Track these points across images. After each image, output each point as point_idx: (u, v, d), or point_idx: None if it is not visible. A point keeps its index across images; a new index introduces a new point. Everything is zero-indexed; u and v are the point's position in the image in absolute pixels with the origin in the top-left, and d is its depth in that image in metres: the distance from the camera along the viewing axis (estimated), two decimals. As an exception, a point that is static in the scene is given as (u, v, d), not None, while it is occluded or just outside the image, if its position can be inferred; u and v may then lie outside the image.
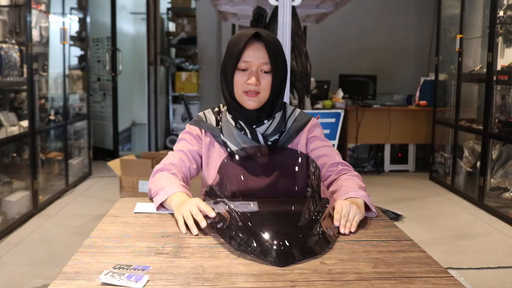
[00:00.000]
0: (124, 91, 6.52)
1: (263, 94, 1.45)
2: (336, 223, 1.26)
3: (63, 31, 4.65)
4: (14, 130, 3.70)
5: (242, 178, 1.43)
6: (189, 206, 1.27)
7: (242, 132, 1.49)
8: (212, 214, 1.24)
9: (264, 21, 3.04)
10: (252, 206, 1.32)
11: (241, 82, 1.45)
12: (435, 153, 5.46)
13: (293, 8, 2.63)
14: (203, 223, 1.22)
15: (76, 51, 5.45)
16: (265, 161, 1.48)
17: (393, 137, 5.66)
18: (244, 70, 1.45)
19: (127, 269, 1.02)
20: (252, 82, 1.43)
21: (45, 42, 4.47)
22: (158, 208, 1.41)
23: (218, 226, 1.22)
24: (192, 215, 1.25)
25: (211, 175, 1.52)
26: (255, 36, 1.44)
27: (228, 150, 1.50)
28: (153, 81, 6.30)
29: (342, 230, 1.25)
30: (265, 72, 1.45)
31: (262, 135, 1.50)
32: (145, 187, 3.73)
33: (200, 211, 1.25)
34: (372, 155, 6.05)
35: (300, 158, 1.48)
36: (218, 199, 1.33)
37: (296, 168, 1.47)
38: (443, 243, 3.49)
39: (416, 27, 6.33)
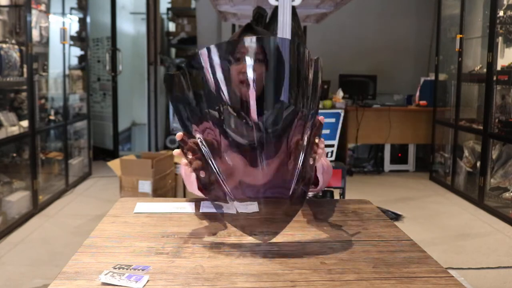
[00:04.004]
0: (124, 91, 6.51)
1: (257, 82, 1.47)
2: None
3: (63, 31, 4.65)
4: (14, 130, 3.70)
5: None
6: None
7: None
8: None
9: (264, 21, 3.04)
10: (253, 206, 1.32)
11: (236, 72, 1.47)
12: (435, 153, 5.46)
13: (293, 8, 2.62)
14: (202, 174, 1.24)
15: (76, 51, 5.45)
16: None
17: (393, 137, 5.66)
18: (238, 61, 1.48)
19: (127, 269, 1.02)
20: (244, 70, 1.45)
21: (45, 42, 4.47)
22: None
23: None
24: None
25: None
26: (248, 30, 1.55)
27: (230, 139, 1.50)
28: (153, 81, 6.30)
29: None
30: (258, 62, 1.47)
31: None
32: (145, 187, 3.73)
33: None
34: (372, 155, 6.05)
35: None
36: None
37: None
38: (443, 243, 3.49)
39: (416, 27, 6.33)
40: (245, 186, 1.33)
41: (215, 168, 1.25)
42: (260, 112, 1.42)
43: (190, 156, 1.24)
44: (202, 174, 1.24)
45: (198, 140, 1.25)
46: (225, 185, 1.25)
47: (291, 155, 1.31)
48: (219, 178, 1.25)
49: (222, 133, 1.33)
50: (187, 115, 1.27)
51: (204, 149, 1.25)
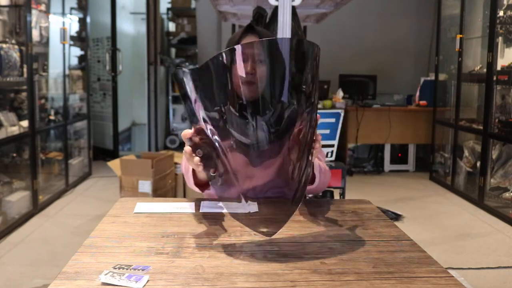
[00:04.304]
0: (124, 91, 6.51)
1: (259, 82, 1.47)
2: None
3: (63, 31, 4.65)
4: (14, 130, 3.70)
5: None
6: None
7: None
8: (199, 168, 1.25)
9: (264, 21, 3.04)
10: (253, 206, 1.32)
11: (239, 72, 1.46)
12: (435, 153, 5.46)
13: (293, 8, 2.63)
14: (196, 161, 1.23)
15: (76, 51, 5.45)
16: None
17: (393, 137, 5.66)
18: (240, 61, 1.47)
19: (127, 269, 1.02)
20: (247, 70, 1.45)
21: (45, 42, 4.47)
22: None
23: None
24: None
25: None
26: (250, 30, 1.56)
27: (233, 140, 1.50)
28: (153, 81, 6.30)
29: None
30: (260, 62, 1.47)
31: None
32: (145, 187, 3.73)
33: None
34: (372, 155, 6.05)
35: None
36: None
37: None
38: (443, 243, 3.49)
39: (416, 27, 6.33)
40: (247, 186, 1.33)
41: (229, 165, 1.25)
42: (262, 112, 1.42)
43: (199, 155, 1.23)
44: (213, 173, 1.23)
45: (209, 131, 1.24)
46: (236, 184, 1.25)
47: (292, 154, 1.32)
48: (232, 177, 1.25)
49: (226, 133, 1.32)
50: (197, 111, 1.26)
51: (215, 138, 1.25)
